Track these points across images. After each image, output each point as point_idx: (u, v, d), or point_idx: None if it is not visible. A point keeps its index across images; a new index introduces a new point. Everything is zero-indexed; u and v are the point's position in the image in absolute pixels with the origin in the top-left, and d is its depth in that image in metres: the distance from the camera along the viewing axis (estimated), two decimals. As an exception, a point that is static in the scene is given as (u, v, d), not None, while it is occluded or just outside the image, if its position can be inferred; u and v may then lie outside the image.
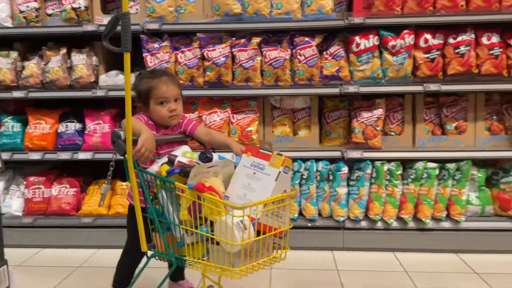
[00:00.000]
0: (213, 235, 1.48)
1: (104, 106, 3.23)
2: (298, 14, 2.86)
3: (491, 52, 2.82)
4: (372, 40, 2.84)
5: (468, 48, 2.82)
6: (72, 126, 3.16)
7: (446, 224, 2.88)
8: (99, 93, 3.00)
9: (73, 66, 3.04)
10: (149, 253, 1.80)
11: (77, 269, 2.73)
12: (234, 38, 2.93)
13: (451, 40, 2.85)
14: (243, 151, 1.75)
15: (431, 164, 2.84)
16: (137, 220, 1.65)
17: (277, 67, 2.87)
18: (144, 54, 2.95)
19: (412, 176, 2.86)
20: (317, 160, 2.93)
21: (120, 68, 3.09)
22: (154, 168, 1.73)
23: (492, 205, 2.93)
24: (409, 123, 3.02)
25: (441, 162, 2.88)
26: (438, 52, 2.84)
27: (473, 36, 2.84)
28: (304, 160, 2.93)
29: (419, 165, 2.84)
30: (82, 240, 3.05)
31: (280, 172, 1.52)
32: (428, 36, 2.83)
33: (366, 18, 2.78)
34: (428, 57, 2.84)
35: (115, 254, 2.86)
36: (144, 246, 1.69)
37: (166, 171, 1.62)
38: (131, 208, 1.92)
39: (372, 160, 2.87)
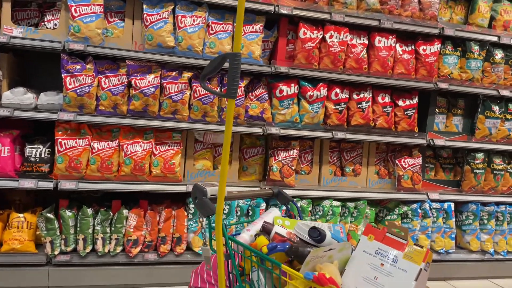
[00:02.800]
0: None
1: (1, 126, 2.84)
2: (229, 55, 2.98)
3: (384, 109, 3.35)
4: (293, 88, 3.12)
5: (367, 104, 3.30)
6: (-41, 146, 2.69)
7: (344, 256, 3.25)
8: (2, 112, 2.64)
9: (-30, 77, 2.62)
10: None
11: (-38, 319, 2.30)
12: (164, 70, 2.90)
13: (355, 96, 3.30)
14: None
15: (336, 203, 3.21)
16: None
17: (206, 103, 2.92)
18: (63, 75, 2.71)
19: (320, 213, 3.18)
20: (237, 195, 3.05)
21: (27, 86, 2.80)
22: (245, 237, 1.46)
23: (378, 239, 3.42)
24: (317, 164, 3.36)
25: (342, 200, 3.27)
26: (345, 105, 3.26)
27: (371, 94, 3.34)
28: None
29: (326, 203, 3.18)
30: (-35, 282, 2.58)
31: (421, 269, 1.20)
32: (338, 91, 3.24)
33: (290, 68, 3.05)
34: (337, 109, 3.24)
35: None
36: None
37: (267, 247, 1.31)
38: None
39: (288, 198, 3.10)
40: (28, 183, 2.69)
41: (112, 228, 2.83)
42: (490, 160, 3.68)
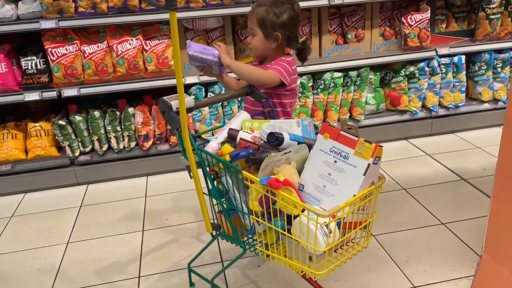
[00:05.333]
0: (290, 231, 1.29)
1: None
2: None
3: (386, -38, 3.01)
4: (280, -45, 2.82)
5: (366, -41, 2.97)
6: (-41, 69, 2.77)
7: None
8: (-14, 29, 2.62)
9: None
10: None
11: (12, 218, 2.68)
12: (135, -43, 2.68)
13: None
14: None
15: (337, 74, 3.16)
16: (199, 200, 1.54)
17: (187, -12, 2.75)
18: (32, -19, 2.58)
19: (321, 87, 3.16)
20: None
21: (3, -4, 2.69)
22: (213, 146, 1.52)
23: (384, 103, 3.43)
24: (316, 35, 3.22)
25: (344, 70, 3.20)
26: (340, -35, 2.95)
27: None
28: (224, 81, 3.02)
29: (327, 76, 3.14)
30: (3, 188, 2.93)
31: (369, 164, 1.25)
32: (332, -51, 2.89)
33: None
34: (332, -29, 2.95)
35: (44, 196, 2.90)
36: (208, 226, 1.58)
37: (230, 155, 1.37)
38: None
39: (287, 76, 3.07)
40: (33, 95, 2.80)
41: (122, 127, 3.00)
42: (508, 2, 3.36)
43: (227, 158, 1.38)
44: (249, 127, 1.56)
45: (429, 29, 3.27)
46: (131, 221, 2.55)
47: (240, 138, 1.47)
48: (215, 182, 1.53)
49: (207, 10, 2.85)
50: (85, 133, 2.95)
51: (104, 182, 3.08)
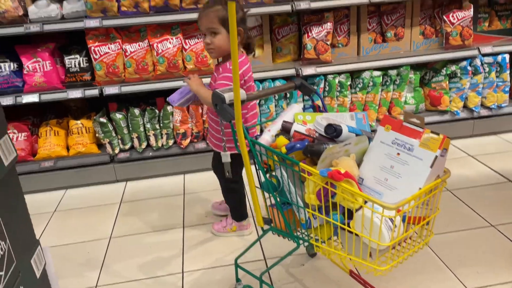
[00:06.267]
0: (349, 225, 1.25)
1: (35, 41, 2.93)
2: None
3: (428, -41, 2.95)
4: (321, -48, 2.80)
5: (408, -44, 2.92)
6: (7, 67, 2.85)
7: (388, 124, 3.26)
8: (33, 28, 2.69)
9: (-7, -2, 2.64)
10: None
11: (54, 213, 2.73)
12: (178, -44, 2.70)
13: (393, -52, 2.91)
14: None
15: (376, 73, 3.10)
16: (250, 194, 1.52)
17: (227, -13, 2.75)
18: (78, -19, 2.64)
19: (359, 86, 3.12)
20: (273, 79, 3.03)
21: (48, -4, 2.76)
22: (266, 138, 1.50)
23: (424, 103, 3.35)
24: (354, 34, 3.18)
25: (383, 69, 3.14)
26: (381, -38, 2.91)
27: None
28: (261, 80, 3.01)
29: (366, 74, 3.09)
30: (46, 184, 2.99)
31: (437, 156, 1.20)
32: None
33: None
34: (373, -32, 2.90)
35: (85, 192, 2.96)
36: (260, 221, 1.56)
37: (286, 147, 1.35)
38: (218, 153, 2.08)
39: (325, 75, 3.05)
40: (76, 93, 2.86)
41: (161, 124, 3.02)
42: (556, 0, 3.25)
43: (283, 150, 1.36)
44: (301, 120, 1.53)
45: (471, 27, 3.18)
46: (171, 218, 2.56)
47: (295, 131, 1.45)
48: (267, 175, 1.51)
49: (246, 8, 2.84)
50: (125, 131, 2.99)
51: (142, 180, 3.10)
